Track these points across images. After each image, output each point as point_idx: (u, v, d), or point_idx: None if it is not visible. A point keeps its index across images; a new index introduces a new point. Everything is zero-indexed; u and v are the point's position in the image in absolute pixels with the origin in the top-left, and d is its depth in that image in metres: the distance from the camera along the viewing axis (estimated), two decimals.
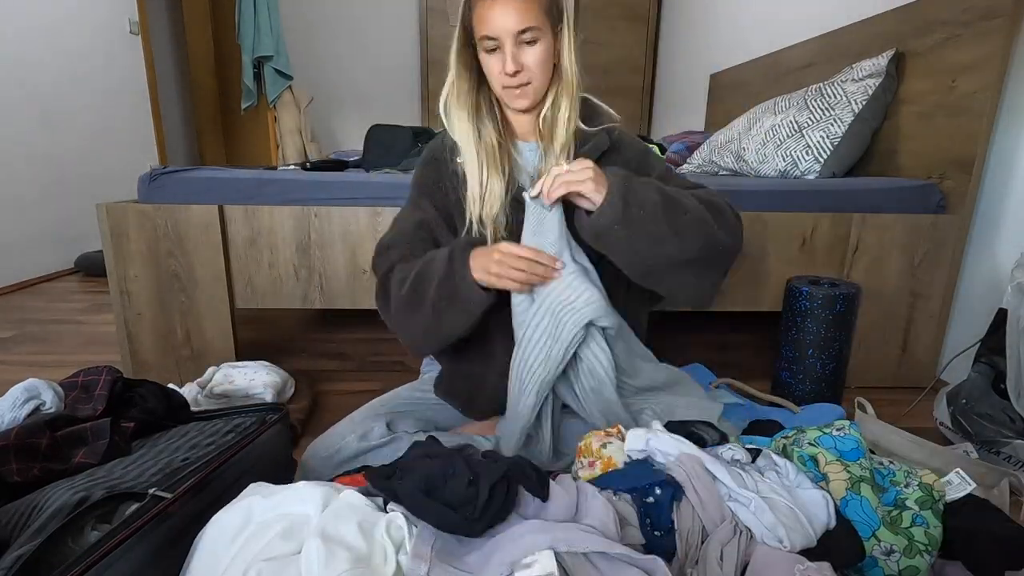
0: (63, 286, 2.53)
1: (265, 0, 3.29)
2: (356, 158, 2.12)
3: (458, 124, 0.93)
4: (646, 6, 3.79)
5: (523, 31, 0.85)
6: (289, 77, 3.50)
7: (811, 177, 1.62)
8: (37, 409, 0.89)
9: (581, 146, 0.95)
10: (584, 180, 0.81)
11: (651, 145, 1.99)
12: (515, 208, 0.93)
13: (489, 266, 0.83)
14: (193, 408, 1.01)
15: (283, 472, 0.97)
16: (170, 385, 1.02)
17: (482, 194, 0.93)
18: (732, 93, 2.74)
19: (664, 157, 0.98)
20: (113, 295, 1.36)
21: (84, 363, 1.05)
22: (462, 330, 0.90)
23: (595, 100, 0.99)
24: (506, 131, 0.98)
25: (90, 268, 2.66)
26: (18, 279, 2.48)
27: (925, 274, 1.40)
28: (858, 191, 1.43)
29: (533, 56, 0.87)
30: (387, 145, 1.89)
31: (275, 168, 2.00)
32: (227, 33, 3.68)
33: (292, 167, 1.97)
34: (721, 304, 1.44)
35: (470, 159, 0.93)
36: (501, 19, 0.84)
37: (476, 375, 1.02)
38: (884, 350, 1.45)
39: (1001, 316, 1.13)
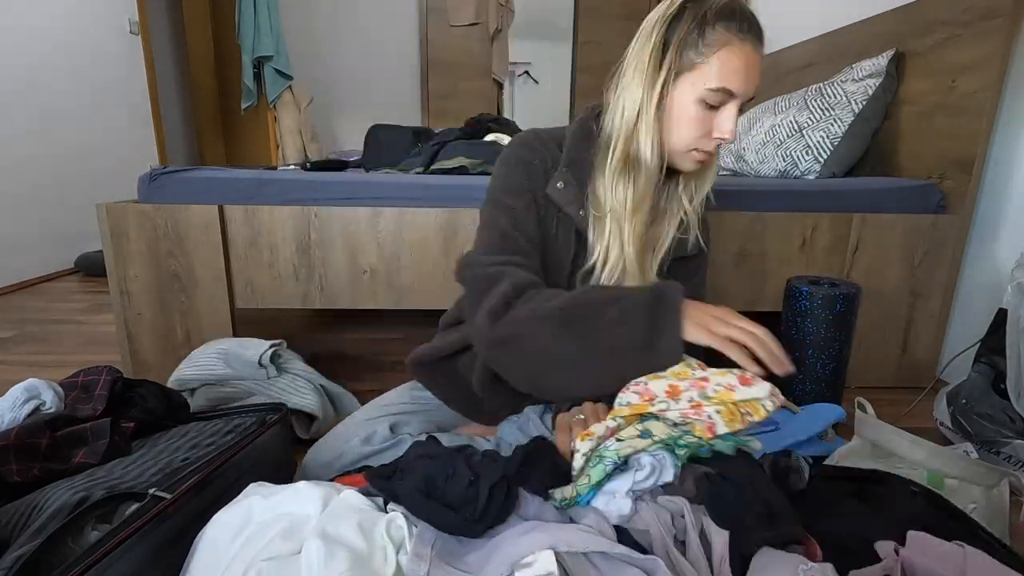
0: (63, 286, 2.53)
1: (265, 0, 3.29)
2: (356, 158, 2.12)
3: (645, 181, 0.80)
4: (646, 6, 3.78)
5: (749, 99, 0.77)
6: (289, 77, 3.50)
7: (811, 177, 1.62)
8: (37, 409, 0.89)
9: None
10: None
11: None
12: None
13: (710, 323, 0.72)
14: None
15: (283, 472, 0.97)
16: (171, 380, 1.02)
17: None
18: None
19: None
20: (113, 295, 1.36)
21: (84, 363, 1.05)
22: (619, 384, 0.69)
23: None
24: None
25: (90, 268, 2.66)
26: (18, 279, 2.48)
27: (925, 274, 1.40)
28: (858, 191, 1.43)
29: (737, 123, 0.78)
30: (387, 145, 1.89)
31: (275, 168, 2.00)
32: (227, 33, 3.68)
33: (292, 167, 1.97)
34: (721, 304, 1.43)
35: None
36: (753, 77, 0.74)
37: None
38: (884, 350, 1.45)
39: (1001, 316, 1.13)
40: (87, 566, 0.54)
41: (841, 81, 1.68)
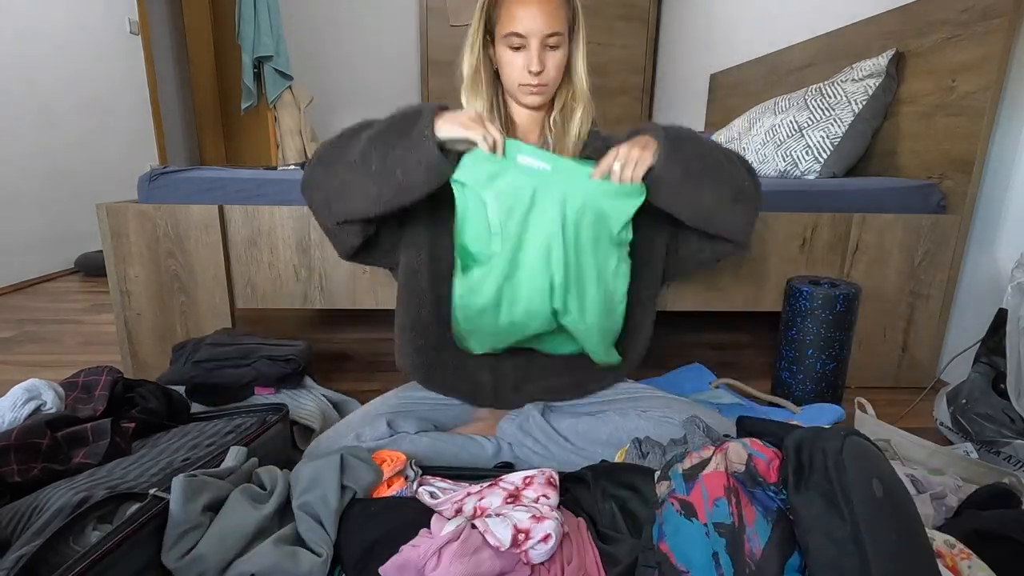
0: (63, 286, 2.53)
1: (265, 0, 3.29)
2: None
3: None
4: (646, 6, 3.78)
5: (551, 35, 0.90)
6: (289, 77, 3.49)
7: (811, 177, 1.62)
8: (38, 409, 0.89)
9: (583, 149, 0.99)
10: (652, 153, 0.84)
11: None
12: None
13: (462, 120, 0.82)
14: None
15: None
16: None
17: None
18: (732, 93, 2.74)
19: None
20: (113, 295, 1.36)
21: (84, 363, 1.05)
22: (414, 192, 0.84)
23: None
24: (508, 128, 1.01)
25: (90, 268, 2.65)
26: (18, 279, 2.47)
27: (925, 274, 1.40)
28: (858, 191, 1.43)
29: (554, 60, 0.93)
30: None
31: (275, 168, 2.00)
32: (227, 33, 3.68)
33: (292, 167, 1.97)
34: (721, 304, 1.44)
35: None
36: (533, 20, 0.89)
37: (465, 365, 1.03)
38: (884, 350, 1.45)
39: (1001, 316, 1.13)
40: (88, 566, 0.54)
41: (841, 81, 1.68)
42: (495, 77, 0.99)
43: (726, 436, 0.89)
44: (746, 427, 0.68)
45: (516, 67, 0.92)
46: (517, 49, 0.91)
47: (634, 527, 0.69)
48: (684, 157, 0.85)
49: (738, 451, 0.58)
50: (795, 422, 0.87)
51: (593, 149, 0.99)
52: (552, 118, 1.00)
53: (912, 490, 0.80)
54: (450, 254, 0.92)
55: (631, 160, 0.84)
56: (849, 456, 0.51)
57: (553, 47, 0.92)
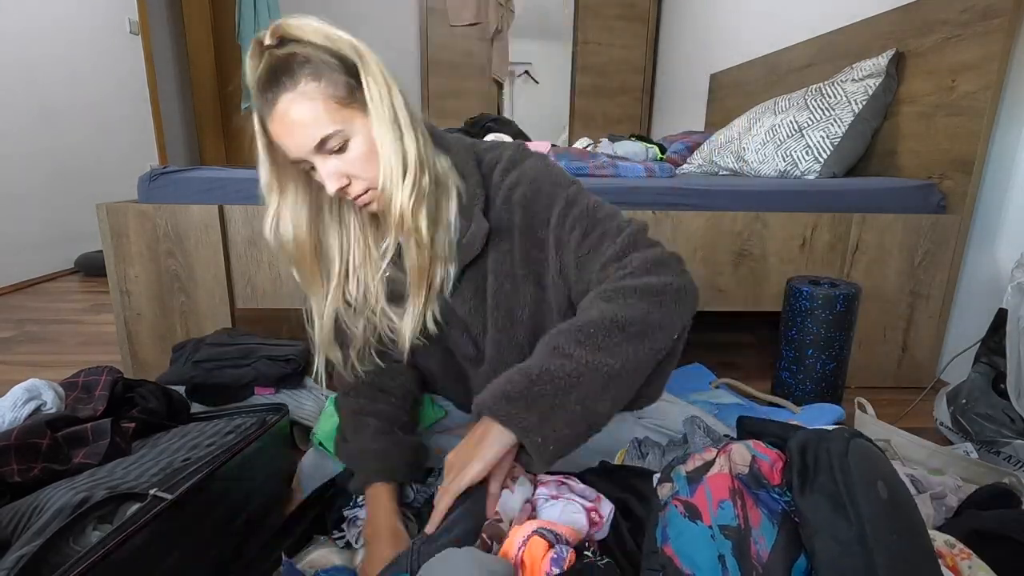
0: (63, 286, 2.53)
1: (265, 0, 3.29)
2: None
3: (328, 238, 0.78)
4: (646, 6, 3.79)
5: (321, 143, 0.68)
6: None
7: (811, 177, 1.62)
8: (38, 409, 0.89)
9: (459, 239, 0.79)
10: (468, 476, 0.62)
11: (650, 145, 1.98)
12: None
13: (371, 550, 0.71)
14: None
15: (284, 473, 0.97)
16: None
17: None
18: (732, 93, 2.74)
19: (571, 177, 0.81)
20: (113, 295, 1.36)
21: (84, 363, 1.05)
22: None
23: (438, 130, 0.83)
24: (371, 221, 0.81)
25: (90, 268, 2.65)
26: (18, 279, 2.47)
27: (925, 274, 1.40)
28: (858, 191, 1.43)
29: (349, 163, 0.70)
30: None
31: None
32: (227, 33, 3.68)
33: None
34: (721, 304, 1.44)
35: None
36: (293, 141, 0.68)
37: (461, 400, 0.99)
38: (884, 350, 1.45)
39: (1001, 316, 1.13)
40: (88, 566, 0.54)
41: (841, 81, 1.68)
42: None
43: (727, 436, 0.89)
44: (747, 427, 0.68)
45: (326, 185, 0.72)
46: (312, 170, 0.72)
47: (635, 529, 0.69)
48: (554, 417, 0.60)
49: (742, 452, 0.58)
50: (795, 422, 0.87)
51: (468, 243, 0.78)
52: (394, 219, 0.72)
53: (912, 490, 0.80)
54: None
55: (441, 504, 0.63)
56: (854, 458, 0.51)
57: (338, 150, 0.69)
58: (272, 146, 0.71)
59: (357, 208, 0.77)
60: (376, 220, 0.81)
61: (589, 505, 0.67)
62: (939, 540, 0.61)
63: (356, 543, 0.76)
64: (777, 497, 0.55)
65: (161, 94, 3.54)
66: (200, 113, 4.19)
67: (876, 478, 0.50)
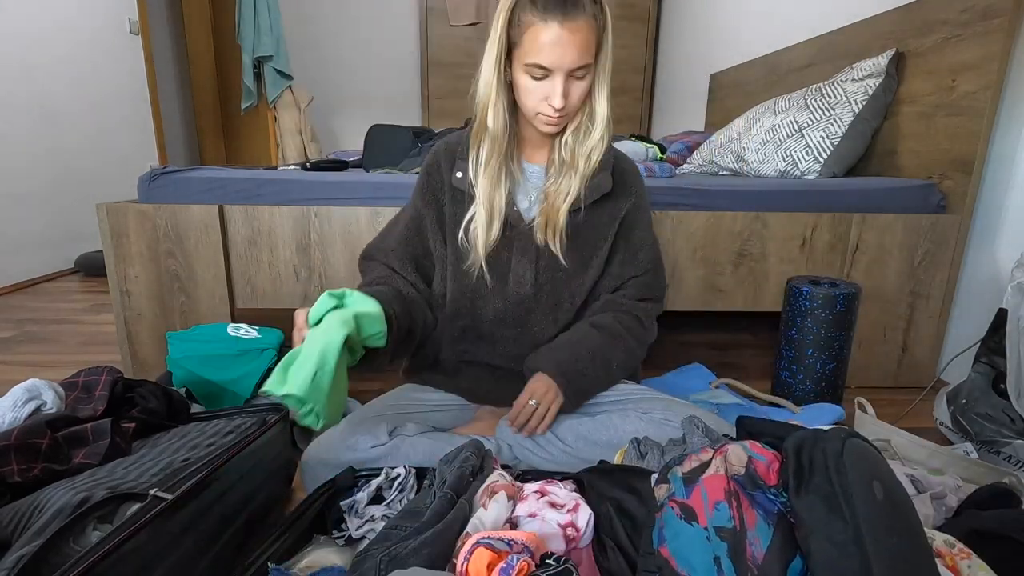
0: (63, 286, 2.53)
1: (265, 0, 3.29)
2: (356, 158, 2.12)
3: (490, 144, 0.93)
4: (646, 6, 3.79)
5: (577, 68, 0.84)
6: (289, 77, 3.49)
7: (811, 177, 1.62)
8: (38, 409, 0.89)
9: (593, 177, 0.97)
10: (558, 405, 0.96)
11: (650, 145, 1.99)
12: (506, 226, 0.97)
13: None
14: None
15: (284, 473, 0.97)
16: None
17: (488, 213, 0.95)
18: (732, 93, 2.74)
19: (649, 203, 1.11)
20: (113, 295, 1.36)
21: (84, 363, 1.05)
22: None
23: None
24: (517, 144, 0.99)
25: (90, 268, 2.65)
26: (18, 279, 2.48)
27: (925, 274, 1.40)
28: (858, 191, 1.43)
29: (579, 91, 0.87)
30: (387, 145, 1.89)
31: (275, 168, 2.00)
32: (227, 33, 3.68)
33: (292, 167, 1.97)
34: (721, 304, 1.44)
35: (489, 175, 0.94)
36: (562, 55, 0.82)
37: (480, 361, 1.05)
38: (884, 350, 1.45)
39: (1001, 316, 1.13)
40: (88, 566, 0.54)
41: (841, 81, 1.68)
42: (509, 89, 0.91)
43: (726, 436, 0.89)
44: (746, 427, 0.68)
45: (535, 96, 0.87)
46: (539, 79, 0.85)
47: (631, 529, 0.69)
48: (585, 391, 0.99)
49: (738, 453, 0.58)
50: (795, 422, 0.87)
51: (596, 185, 0.97)
52: (564, 139, 0.94)
53: (912, 490, 0.80)
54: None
55: (538, 417, 0.94)
56: (850, 458, 0.51)
57: (580, 78, 0.86)
58: (508, 45, 0.86)
59: (519, 121, 0.96)
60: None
61: (565, 521, 0.67)
62: (939, 540, 0.61)
63: (355, 532, 0.77)
64: (773, 498, 0.54)
65: (161, 94, 3.55)
66: (200, 113, 4.19)
67: (872, 478, 0.50)
